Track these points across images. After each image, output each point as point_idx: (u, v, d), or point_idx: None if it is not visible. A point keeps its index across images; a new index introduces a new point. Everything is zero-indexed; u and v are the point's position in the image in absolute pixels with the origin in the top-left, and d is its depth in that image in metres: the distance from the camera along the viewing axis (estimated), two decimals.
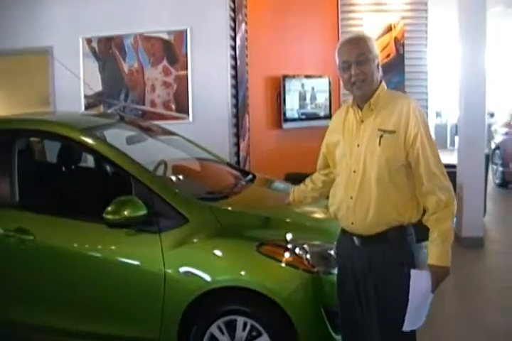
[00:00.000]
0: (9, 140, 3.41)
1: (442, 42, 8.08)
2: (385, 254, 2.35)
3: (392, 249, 2.35)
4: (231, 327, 2.91)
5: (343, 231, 2.50)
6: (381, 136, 2.31)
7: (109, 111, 6.13)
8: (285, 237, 2.94)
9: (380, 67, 2.40)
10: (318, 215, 3.45)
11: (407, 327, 2.28)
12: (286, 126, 7.03)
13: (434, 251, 2.28)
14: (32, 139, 4.15)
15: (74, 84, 6.28)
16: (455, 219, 2.36)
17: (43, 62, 6.67)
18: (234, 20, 6.04)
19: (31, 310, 3.23)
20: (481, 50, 5.78)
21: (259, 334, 2.87)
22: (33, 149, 4.16)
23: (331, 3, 7.86)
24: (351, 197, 2.38)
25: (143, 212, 2.94)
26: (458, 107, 6.01)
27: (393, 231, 2.34)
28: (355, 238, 2.42)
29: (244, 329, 2.88)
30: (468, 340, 3.62)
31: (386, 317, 2.35)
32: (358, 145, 2.37)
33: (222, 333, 2.92)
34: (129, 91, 6.16)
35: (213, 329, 2.92)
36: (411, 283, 2.27)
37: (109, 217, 2.93)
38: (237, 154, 6.05)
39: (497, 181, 9.09)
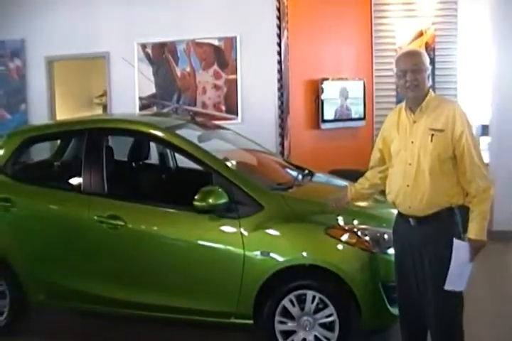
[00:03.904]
0: (101, 137, 3.89)
1: (473, 46, 8.40)
2: (438, 231, 2.81)
3: (443, 227, 2.81)
4: (300, 300, 3.35)
5: (400, 214, 2.96)
6: (432, 135, 2.77)
7: (163, 111, 6.61)
8: (349, 222, 3.43)
9: (430, 77, 2.87)
10: (367, 204, 3.90)
11: (448, 286, 2.74)
12: (324, 126, 7.42)
13: (474, 227, 2.75)
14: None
15: (129, 87, 6.79)
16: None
17: (99, 67, 7.21)
18: (279, 27, 6.49)
19: (121, 287, 3.68)
20: None
21: (325, 306, 3.31)
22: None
23: (365, 10, 8.18)
24: (408, 185, 2.83)
25: (225, 200, 3.40)
26: (491, 109, 6.39)
27: (443, 212, 2.80)
28: (411, 219, 2.87)
29: (312, 301, 3.33)
30: (501, 315, 4.15)
31: (440, 289, 2.77)
32: (412, 142, 2.83)
33: (293, 305, 3.36)
34: (181, 93, 6.66)
35: (285, 302, 3.36)
36: (453, 250, 2.74)
37: (197, 203, 3.39)
38: (282, 153, 6.48)
39: None
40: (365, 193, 3.32)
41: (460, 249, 2.74)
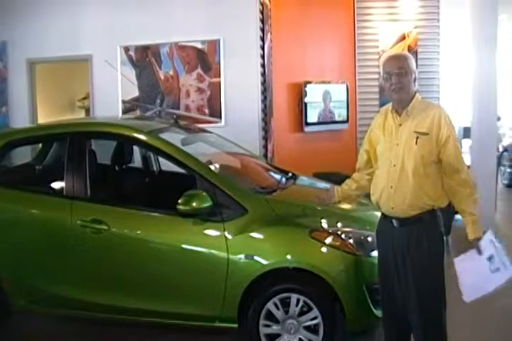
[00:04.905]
0: (84, 141, 3.85)
1: (454, 50, 8.51)
2: (420, 233, 2.84)
3: (425, 229, 2.85)
4: (285, 303, 3.35)
5: (384, 215, 2.98)
6: (417, 137, 2.81)
7: (147, 114, 6.59)
8: (333, 224, 3.44)
9: (416, 81, 2.91)
10: (351, 207, 3.91)
11: (466, 297, 2.83)
12: (307, 129, 7.44)
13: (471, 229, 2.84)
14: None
15: (112, 90, 6.76)
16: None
17: (82, 70, 7.16)
18: (262, 30, 6.50)
19: (104, 292, 3.65)
20: (492, 55, 6.23)
21: (310, 309, 3.32)
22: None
23: (348, 13, 8.23)
24: (391, 186, 2.87)
25: (208, 203, 3.39)
26: (472, 111, 6.44)
27: (426, 214, 2.84)
28: (394, 220, 2.90)
29: (297, 305, 3.33)
30: (483, 320, 4.14)
31: (422, 290, 2.81)
32: (397, 145, 2.87)
33: (278, 309, 3.36)
34: (164, 96, 6.64)
35: (270, 305, 3.36)
36: (458, 268, 2.81)
37: (181, 207, 3.38)
38: (266, 156, 6.48)
39: (505, 182, 9.57)
40: (352, 194, 3.36)
41: (463, 264, 2.82)
